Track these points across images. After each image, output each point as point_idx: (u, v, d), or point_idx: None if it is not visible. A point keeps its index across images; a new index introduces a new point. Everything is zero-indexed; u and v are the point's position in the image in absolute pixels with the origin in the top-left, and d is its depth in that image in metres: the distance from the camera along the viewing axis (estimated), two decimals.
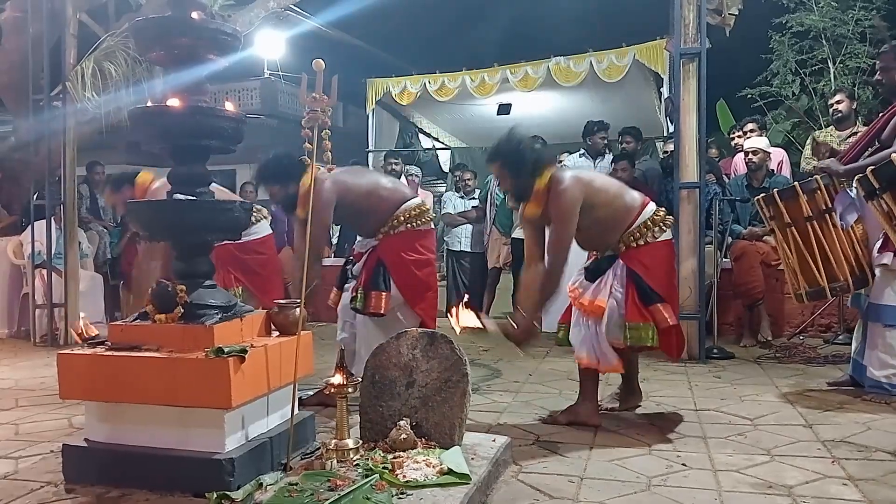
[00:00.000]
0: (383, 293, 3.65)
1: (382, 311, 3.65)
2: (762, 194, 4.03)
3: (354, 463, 2.46)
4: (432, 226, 3.98)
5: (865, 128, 5.30)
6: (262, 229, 4.80)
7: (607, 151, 6.74)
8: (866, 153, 3.72)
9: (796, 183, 3.86)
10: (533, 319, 3.22)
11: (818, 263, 3.72)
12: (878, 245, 3.62)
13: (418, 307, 3.78)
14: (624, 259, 3.25)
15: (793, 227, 3.79)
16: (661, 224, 3.30)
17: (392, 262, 3.70)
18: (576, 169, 3.85)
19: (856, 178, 3.51)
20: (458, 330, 3.01)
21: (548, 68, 9.08)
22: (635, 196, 3.35)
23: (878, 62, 3.97)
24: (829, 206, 3.73)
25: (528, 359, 4.98)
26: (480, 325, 3.05)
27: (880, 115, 3.90)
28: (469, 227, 7.34)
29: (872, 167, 3.41)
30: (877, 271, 3.65)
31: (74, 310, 5.96)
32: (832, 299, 4.44)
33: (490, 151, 3.31)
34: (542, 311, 3.31)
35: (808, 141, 6.03)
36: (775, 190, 3.93)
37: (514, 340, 3.21)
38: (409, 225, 3.74)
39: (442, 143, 13.25)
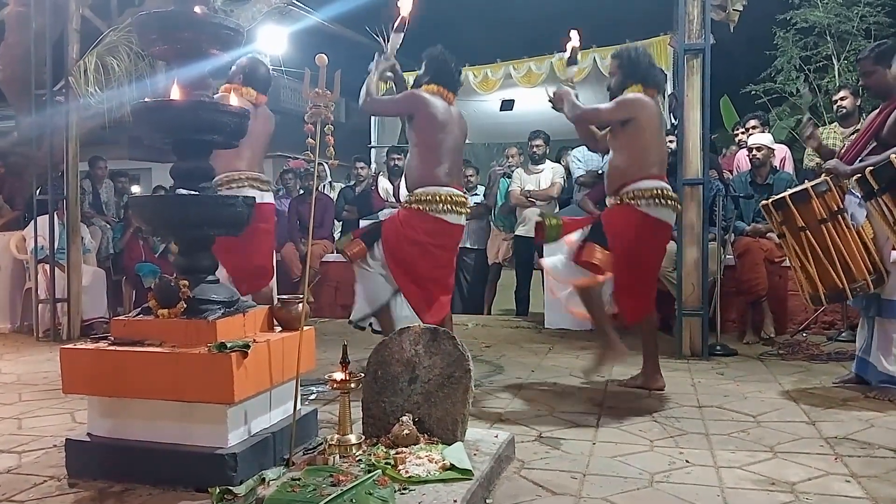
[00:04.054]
0: (361, 242, 3.95)
1: (351, 256, 3.95)
2: (770, 199, 3.91)
3: (357, 458, 2.47)
4: (450, 219, 3.86)
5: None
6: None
7: None
8: (864, 152, 3.70)
9: (808, 186, 3.77)
10: (572, 104, 3.97)
11: (836, 265, 3.65)
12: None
13: (404, 291, 3.90)
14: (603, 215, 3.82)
15: (807, 231, 3.71)
16: (654, 198, 3.62)
17: (387, 226, 3.97)
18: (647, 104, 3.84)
19: (854, 178, 3.49)
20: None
21: (551, 64, 9.03)
22: (658, 168, 3.74)
23: (859, 68, 3.92)
24: (841, 206, 3.68)
25: (531, 355, 4.98)
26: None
27: (873, 114, 3.86)
28: (470, 223, 7.30)
29: (871, 168, 3.38)
30: (892, 269, 3.65)
31: (77, 305, 5.98)
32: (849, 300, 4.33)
33: (619, 49, 4.10)
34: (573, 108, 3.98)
35: None
36: (787, 194, 3.83)
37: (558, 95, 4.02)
38: (418, 206, 3.83)
39: None
